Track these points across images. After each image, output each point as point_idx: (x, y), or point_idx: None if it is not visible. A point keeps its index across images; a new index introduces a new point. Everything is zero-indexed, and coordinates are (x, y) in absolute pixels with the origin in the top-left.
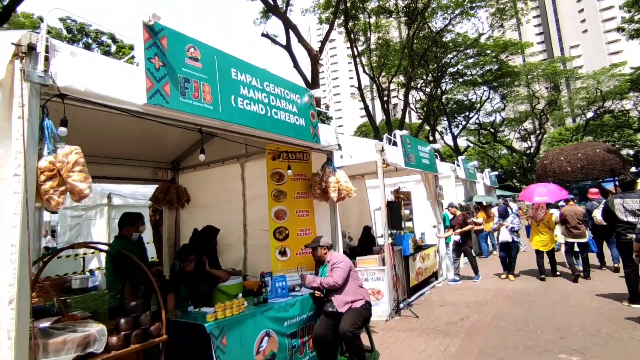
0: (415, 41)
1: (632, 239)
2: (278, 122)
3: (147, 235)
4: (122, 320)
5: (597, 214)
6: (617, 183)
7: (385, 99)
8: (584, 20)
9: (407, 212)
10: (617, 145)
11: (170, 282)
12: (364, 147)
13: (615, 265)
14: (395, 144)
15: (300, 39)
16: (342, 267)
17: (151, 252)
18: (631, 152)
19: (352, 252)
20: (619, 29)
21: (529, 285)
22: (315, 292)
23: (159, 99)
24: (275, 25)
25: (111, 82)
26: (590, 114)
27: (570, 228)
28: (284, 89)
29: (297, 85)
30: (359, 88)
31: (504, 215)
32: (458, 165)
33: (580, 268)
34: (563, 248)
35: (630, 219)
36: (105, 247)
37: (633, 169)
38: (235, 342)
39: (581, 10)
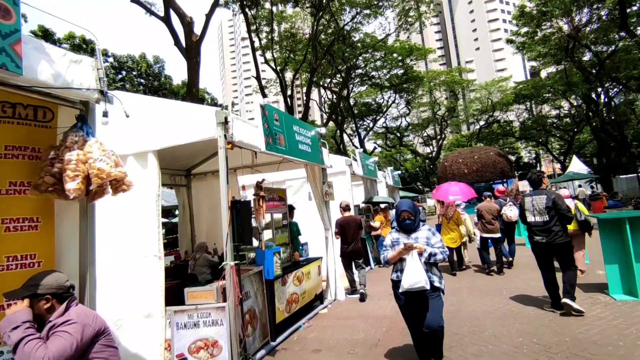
0: (323, 36)
1: (540, 240)
2: None
3: None
4: None
5: (507, 211)
6: (503, 185)
7: (290, 94)
8: (476, 39)
9: (278, 216)
10: (506, 150)
11: None
12: (194, 118)
13: (510, 259)
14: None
15: (170, 3)
16: (69, 333)
17: None
18: (513, 157)
19: (215, 271)
20: (509, 41)
21: None
22: None
23: None
24: None
25: None
26: (482, 122)
27: (485, 223)
28: None
29: None
30: (257, 77)
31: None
32: (355, 160)
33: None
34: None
35: (538, 218)
36: None
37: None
38: None
39: (475, 30)
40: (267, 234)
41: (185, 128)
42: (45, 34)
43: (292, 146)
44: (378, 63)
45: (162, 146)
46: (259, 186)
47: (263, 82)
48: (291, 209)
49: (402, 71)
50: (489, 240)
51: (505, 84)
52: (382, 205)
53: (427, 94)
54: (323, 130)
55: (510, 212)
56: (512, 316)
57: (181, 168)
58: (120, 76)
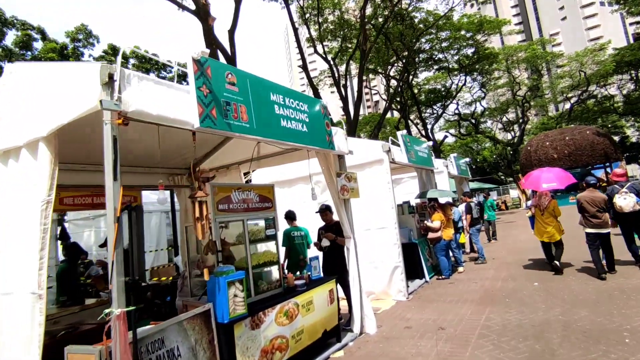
0: (380, 20)
1: None
2: None
3: None
4: None
5: (618, 200)
6: (608, 170)
7: (343, 83)
8: (562, 8)
9: (257, 224)
10: (606, 129)
11: None
12: (77, 82)
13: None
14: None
15: None
16: None
17: None
18: (616, 138)
19: None
20: None
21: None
22: None
23: None
24: None
25: None
26: (574, 100)
27: (589, 217)
28: None
29: None
30: (304, 67)
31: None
32: (397, 145)
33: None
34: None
35: None
36: None
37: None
38: None
39: None
40: (240, 251)
41: (70, 100)
42: (114, 52)
43: (266, 122)
44: (444, 44)
45: (50, 129)
46: (199, 181)
47: (318, 74)
48: (291, 217)
49: (472, 50)
50: (598, 238)
51: (602, 53)
52: (442, 201)
53: (505, 74)
54: (324, 102)
55: (623, 200)
56: None
57: (182, 166)
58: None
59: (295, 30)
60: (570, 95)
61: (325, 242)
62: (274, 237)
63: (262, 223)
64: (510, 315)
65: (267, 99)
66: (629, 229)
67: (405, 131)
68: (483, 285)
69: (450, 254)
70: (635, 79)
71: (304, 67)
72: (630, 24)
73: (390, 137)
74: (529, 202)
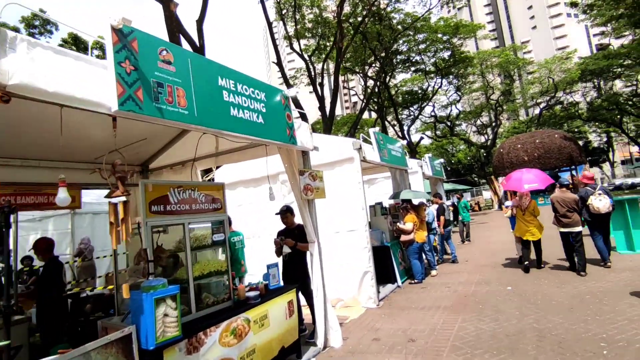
0: (359, 19)
1: None
2: None
3: None
4: None
5: (594, 201)
6: (574, 173)
7: (320, 82)
8: (533, 17)
9: (203, 228)
10: (571, 134)
11: None
12: None
13: (607, 264)
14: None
15: None
16: None
17: None
18: (580, 142)
19: None
20: (572, 4)
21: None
22: None
23: None
24: None
25: None
26: (543, 105)
27: (560, 217)
28: None
29: None
30: (279, 63)
31: None
32: (368, 143)
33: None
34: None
35: None
36: None
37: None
38: None
39: (530, 7)
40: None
41: None
42: (75, 41)
43: (210, 110)
44: (421, 46)
45: None
46: (117, 177)
47: (294, 72)
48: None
49: (448, 53)
50: (570, 236)
51: (568, 61)
52: (416, 202)
53: (479, 78)
54: (292, 92)
55: (599, 202)
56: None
57: (135, 161)
58: None
59: (270, 25)
60: (539, 100)
61: (286, 249)
62: (222, 243)
63: (208, 227)
64: (484, 324)
65: (214, 84)
66: (605, 229)
67: (378, 128)
68: (456, 290)
69: (424, 256)
70: (598, 87)
71: (279, 64)
72: (594, 34)
73: (362, 135)
74: (508, 203)
